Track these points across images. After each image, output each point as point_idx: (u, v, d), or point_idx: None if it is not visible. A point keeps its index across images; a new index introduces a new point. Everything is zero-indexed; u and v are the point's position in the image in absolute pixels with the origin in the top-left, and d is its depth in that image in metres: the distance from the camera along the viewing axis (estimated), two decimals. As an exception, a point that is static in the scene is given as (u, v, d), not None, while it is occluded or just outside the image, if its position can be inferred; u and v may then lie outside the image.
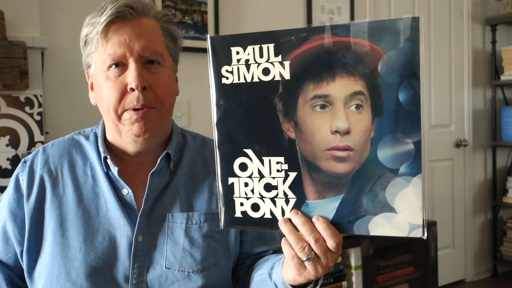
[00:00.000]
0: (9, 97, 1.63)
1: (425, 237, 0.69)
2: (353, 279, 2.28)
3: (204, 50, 2.24)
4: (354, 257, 2.28)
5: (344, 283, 2.24)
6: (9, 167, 1.64)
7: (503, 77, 3.34)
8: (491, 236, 3.51)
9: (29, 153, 1.63)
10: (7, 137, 1.64)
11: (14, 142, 1.65)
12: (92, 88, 0.94)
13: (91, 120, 1.79)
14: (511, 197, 3.35)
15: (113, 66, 0.87)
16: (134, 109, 0.86)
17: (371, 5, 2.88)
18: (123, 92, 0.86)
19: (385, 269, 2.46)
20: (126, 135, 0.89)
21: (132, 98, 0.86)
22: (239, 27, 2.39)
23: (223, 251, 0.96)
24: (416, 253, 2.57)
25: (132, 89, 0.85)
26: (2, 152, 1.64)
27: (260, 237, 1.01)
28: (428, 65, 3.17)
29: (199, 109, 2.25)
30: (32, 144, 1.68)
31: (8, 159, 1.64)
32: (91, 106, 2.00)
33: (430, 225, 2.57)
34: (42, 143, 1.68)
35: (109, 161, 0.92)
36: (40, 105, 1.68)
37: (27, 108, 1.67)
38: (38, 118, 1.68)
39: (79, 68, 2.03)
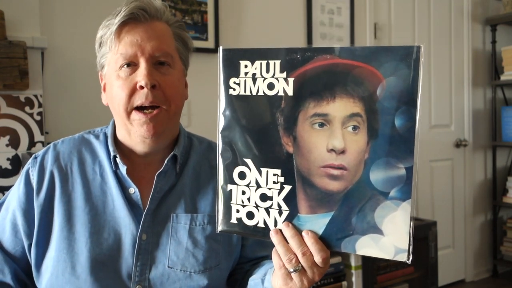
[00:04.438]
0: (9, 97, 1.64)
1: (409, 262, 0.70)
2: (353, 279, 2.28)
3: (204, 50, 2.26)
4: (354, 257, 2.28)
5: (344, 283, 2.24)
6: (9, 167, 1.64)
7: (503, 77, 3.34)
8: (491, 236, 3.52)
9: (29, 153, 1.63)
10: (7, 137, 1.64)
11: (14, 142, 1.65)
12: (104, 90, 0.97)
13: (91, 120, 1.79)
14: (511, 197, 3.36)
15: (125, 66, 0.90)
16: (144, 112, 0.89)
17: (371, 5, 2.88)
18: (133, 90, 0.89)
19: (385, 269, 2.45)
20: (135, 135, 0.92)
21: (141, 95, 0.88)
22: (239, 27, 2.39)
23: (224, 253, 0.97)
24: (416, 253, 2.55)
25: (142, 87, 0.88)
26: (2, 152, 1.64)
27: (261, 242, 1.03)
28: (428, 65, 3.17)
29: (199, 109, 2.25)
30: (32, 144, 1.68)
31: (8, 159, 1.64)
32: (91, 106, 2.00)
33: (430, 225, 2.58)
34: (42, 143, 1.69)
35: (118, 160, 0.94)
36: (40, 105, 1.69)
37: (27, 108, 1.67)
38: (38, 118, 1.68)
39: (79, 68, 2.04)
